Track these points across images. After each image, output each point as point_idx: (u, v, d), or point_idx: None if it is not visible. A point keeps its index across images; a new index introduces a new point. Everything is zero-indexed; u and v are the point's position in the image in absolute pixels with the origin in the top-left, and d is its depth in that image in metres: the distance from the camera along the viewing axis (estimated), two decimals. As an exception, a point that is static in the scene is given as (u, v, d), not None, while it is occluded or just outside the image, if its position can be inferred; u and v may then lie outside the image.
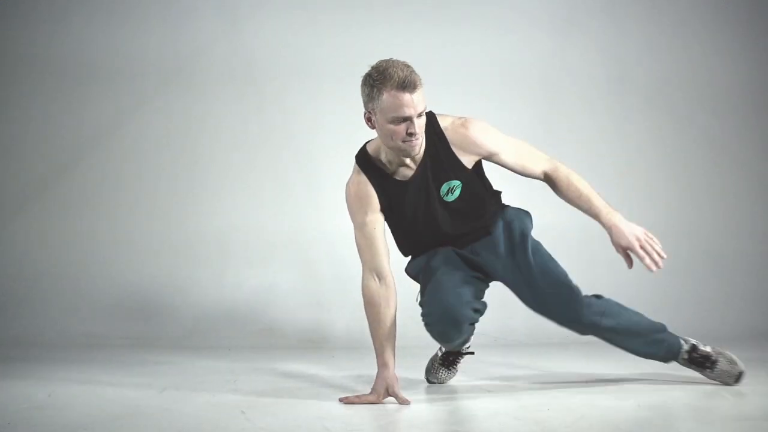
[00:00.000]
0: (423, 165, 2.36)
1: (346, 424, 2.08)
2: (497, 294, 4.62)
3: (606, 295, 2.85)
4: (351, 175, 2.45)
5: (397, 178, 2.39)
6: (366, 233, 2.37)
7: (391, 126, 2.25)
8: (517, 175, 2.59)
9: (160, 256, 4.52)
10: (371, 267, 2.38)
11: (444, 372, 2.85)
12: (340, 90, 4.81)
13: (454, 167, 2.37)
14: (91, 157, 4.62)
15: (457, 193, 2.40)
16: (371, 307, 2.39)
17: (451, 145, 2.37)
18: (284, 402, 2.44)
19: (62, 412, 2.26)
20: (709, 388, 2.67)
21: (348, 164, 4.83)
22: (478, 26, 4.97)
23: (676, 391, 2.62)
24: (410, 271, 2.60)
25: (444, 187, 2.39)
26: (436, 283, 2.41)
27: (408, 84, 2.21)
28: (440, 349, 2.82)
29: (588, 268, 4.80)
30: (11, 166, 4.58)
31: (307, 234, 4.59)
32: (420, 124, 2.24)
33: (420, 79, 2.26)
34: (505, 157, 2.47)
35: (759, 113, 5.14)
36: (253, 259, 4.47)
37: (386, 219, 2.42)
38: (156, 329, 4.25)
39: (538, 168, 2.56)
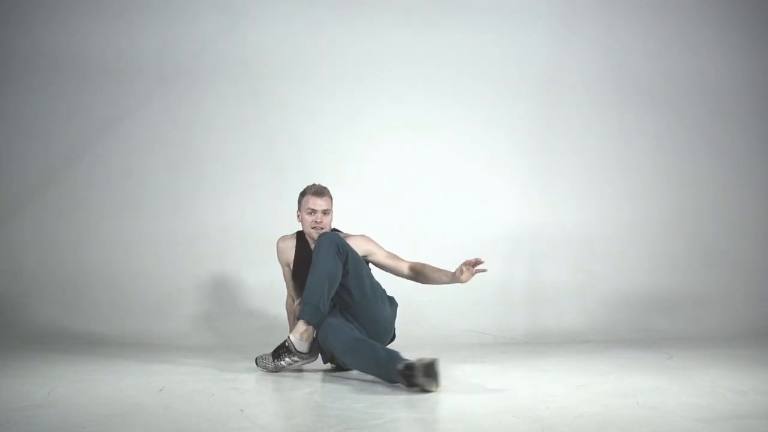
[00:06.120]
0: None
1: (345, 423, 2.08)
2: (497, 294, 4.64)
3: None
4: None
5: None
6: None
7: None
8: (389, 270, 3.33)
9: (159, 255, 4.52)
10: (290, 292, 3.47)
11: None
12: (339, 89, 4.82)
13: None
14: (89, 156, 4.63)
15: None
16: (290, 312, 3.44)
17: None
18: (284, 400, 2.44)
19: (61, 410, 2.26)
20: (708, 387, 2.66)
21: (346, 163, 4.84)
22: (479, 24, 4.96)
23: (676, 390, 2.61)
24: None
25: None
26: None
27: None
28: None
29: (586, 263, 4.81)
30: (11, 165, 4.58)
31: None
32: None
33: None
34: (379, 257, 3.33)
35: (760, 114, 5.14)
36: (253, 257, 4.46)
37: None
38: (156, 329, 4.25)
39: (405, 266, 3.31)
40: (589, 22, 5.05)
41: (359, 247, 3.25)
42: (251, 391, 2.59)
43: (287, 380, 2.86)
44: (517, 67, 4.94)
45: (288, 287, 3.46)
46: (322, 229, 3.27)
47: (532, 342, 4.30)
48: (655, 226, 4.97)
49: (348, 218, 4.64)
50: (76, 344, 3.96)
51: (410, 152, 4.81)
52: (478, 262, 3.05)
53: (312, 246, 3.23)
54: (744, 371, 3.01)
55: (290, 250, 3.38)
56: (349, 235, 3.33)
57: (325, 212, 3.30)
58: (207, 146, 4.70)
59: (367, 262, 3.27)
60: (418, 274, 3.28)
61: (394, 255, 3.35)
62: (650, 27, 5.11)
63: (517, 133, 4.92)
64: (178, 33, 4.73)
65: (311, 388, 2.65)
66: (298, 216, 3.37)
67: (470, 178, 4.86)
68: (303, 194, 3.36)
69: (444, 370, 3.21)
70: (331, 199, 3.36)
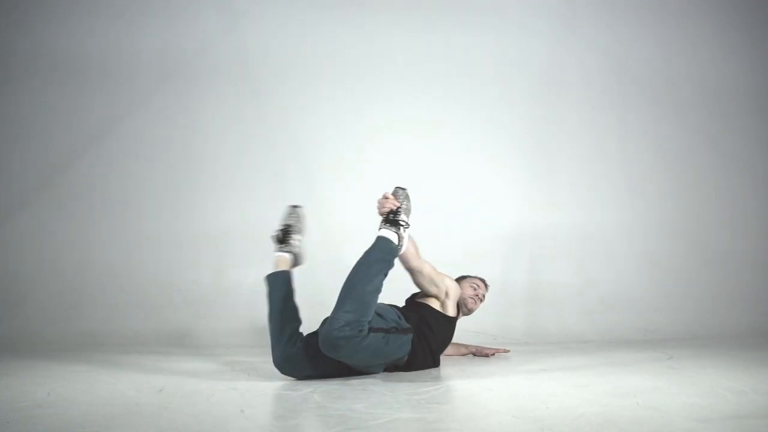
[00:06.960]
0: None
1: (345, 423, 2.08)
2: (497, 294, 4.64)
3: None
4: None
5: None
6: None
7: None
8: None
9: (159, 255, 4.52)
10: None
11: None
12: (339, 89, 4.82)
13: None
14: (89, 157, 4.62)
15: None
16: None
17: None
18: (283, 400, 2.44)
19: (61, 410, 2.25)
20: (708, 387, 2.66)
21: (346, 163, 4.84)
22: (479, 24, 4.97)
23: (676, 390, 2.61)
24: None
25: None
26: None
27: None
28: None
29: (586, 263, 4.81)
30: (11, 165, 4.58)
31: (307, 232, 4.60)
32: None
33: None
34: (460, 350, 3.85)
35: (760, 114, 5.15)
36: (253, 258, 4.46)
37: None
38: (156, 329, 4.25)
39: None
40: (589, 22, 5.06)
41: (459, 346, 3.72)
42: (251, 391, 2.59)
43: (287, 380, 2.86)
44: (517, 67, 4.94)
45: (420, 266, 3.27)
46: (475, 302, 3.55)
47: (532, 342, 4.30)
48: (655, 226, 4.97)
49: (349, 219, 4.66)
50: (76, 344, 3.95)
51: (410, 152, 4.81)
52: (496, 352, 3.68)
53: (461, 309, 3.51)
54: (744, 371, 3.00)
55: (456, 291, 3.37)
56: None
57: (482, 298, 3.59)
58: (207, 146, 4.70)
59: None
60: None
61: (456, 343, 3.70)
62: (650, 27, 5.11)
63: (517, 133, 4.92)
64: (178, 33, 4.73)
65: (311, 388, 2.65)
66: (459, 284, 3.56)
67: (470, 178, 4.87)
68: (472, 276, 3.65)
69: (444, 371, 3.22)
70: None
